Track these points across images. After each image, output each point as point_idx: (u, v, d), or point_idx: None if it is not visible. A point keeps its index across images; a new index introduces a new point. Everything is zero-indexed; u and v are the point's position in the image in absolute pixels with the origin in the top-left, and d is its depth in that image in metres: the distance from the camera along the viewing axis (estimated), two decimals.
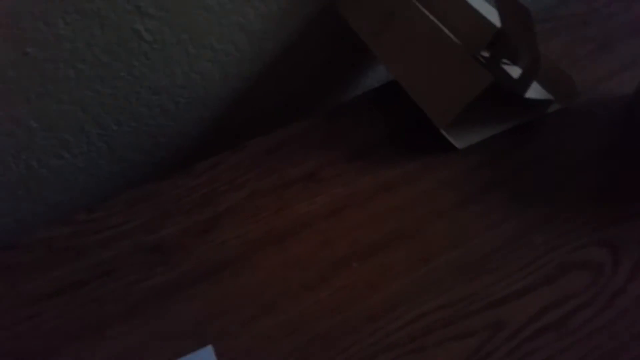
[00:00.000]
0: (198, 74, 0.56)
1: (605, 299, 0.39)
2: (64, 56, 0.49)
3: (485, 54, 0.48)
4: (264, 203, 0.46)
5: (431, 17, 0.49)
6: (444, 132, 0.47)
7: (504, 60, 0.48)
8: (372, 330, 0.38)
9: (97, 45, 0.50)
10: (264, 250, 0.43)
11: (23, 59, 0.47)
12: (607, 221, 0.43)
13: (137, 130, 0.58)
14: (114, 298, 0.41)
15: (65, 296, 0.42)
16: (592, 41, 0.58)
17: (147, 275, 0.42)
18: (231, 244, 0.43)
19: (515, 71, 0.47)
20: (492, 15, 0.48)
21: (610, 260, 0.41)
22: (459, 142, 0.49)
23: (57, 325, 0.40)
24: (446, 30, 0.48)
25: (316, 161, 0.49)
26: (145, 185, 0.48)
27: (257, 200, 0.46)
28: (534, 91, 0.47)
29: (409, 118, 0.51)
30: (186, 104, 0.58)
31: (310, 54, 0.60)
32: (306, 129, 0.51)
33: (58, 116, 0.52)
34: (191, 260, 0.42)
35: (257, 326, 0.39)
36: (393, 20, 0.51)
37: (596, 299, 0.39)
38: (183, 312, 0.40)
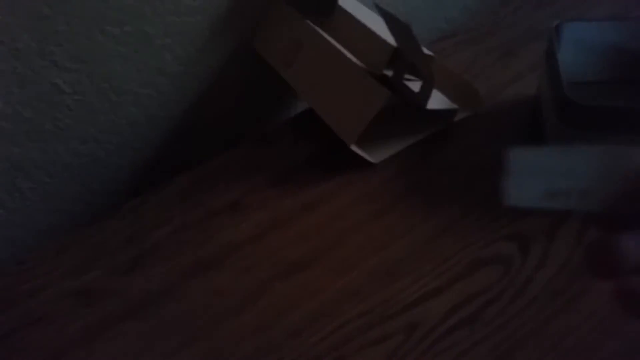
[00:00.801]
0: (123, 119, 0.58)
1: (515, 290, 0.40)
2: None
3: (389, 73, 0.50)
4: (188, 236, 0.47)
5: (335, 43, 0.52)
6: (354, 149, 0.49)
7: (407, 77, 0.51)
8: (294, 346, 0.39)
9: (18, 102, 0.51)
10: (189, 282, 0.43)
11: None
12: (514, 217, 0.45)
13: (70, 181, 0.58)
14: (42, 345, 0.41)
15: None
16: (496, 50, 0.61)
17: (73, 319, 0.42)
18: (155, 281, 0.44)
19: (417, 85, 0.50)
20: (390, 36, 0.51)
21: (519, 253, 0.42)
22: (374, 157, 0.51)
23: None
24: (348, 54, 0.50)
25: (239, 190, 0.50)
26: (71, 233, 0.49)
27: (182, 234, 0.47)
28: (437, 102, 0.50)
29: (327, 140, 0.53)
30: (115, 150, 0.59)
31: (232, 89, 0.63)
32: (229, 161, 0.53)
33: None
34: (117, 299, 0.43)
35: (182, 356, 0.39)
36: (301, 50, 0.53)
37: (507, 291, 0.40)
38: (110, 351, 0.40)
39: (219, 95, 0.62)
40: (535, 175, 0.18)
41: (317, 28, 0.53)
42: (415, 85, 0.50)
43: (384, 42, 0.50)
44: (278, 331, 0.40)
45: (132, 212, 0.49)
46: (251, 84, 0.63)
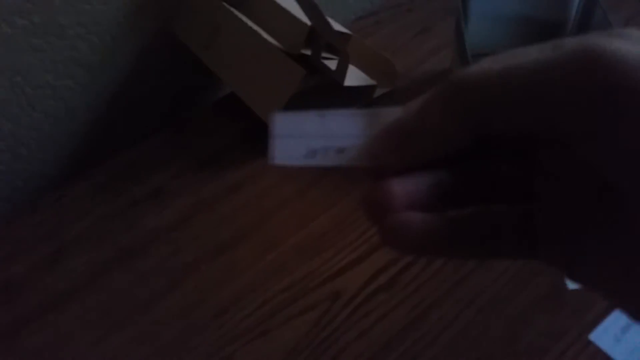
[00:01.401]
0: (41, 113, 0.56)
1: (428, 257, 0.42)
2: None
3: (307, 52, 0.51)
4: (110, 226, 0.46)
5: (252, 25, 0.52)
6: None
7: (326, 55, 0.51)
8: (219, 325, 0.39)
9: None
10: (111, 272, 0.43)
11: None
12: None
13: None
14: None
15: None
16: (414, 27, 0.63)
17: None
18: (78, 271, 0.43)
19: (334, 64, 0.50)
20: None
21: None
22: None
23: None
24: (266, 35, 0.51)
25: (162, 177, 0.50)
26: None
27: (103, 224, 0.46)
28: (355, 79, 0.51)
29: (251, 122, 0.54)
30: (38, 145, 0.58)
31: (153, 75, 0.62)
32: (151, 147, 0.53)
33: None
34: (39, 293, 0.42)
35: (106, 344, 0.39)
36: (219, 32, 0.53)
37: (420, 257, 0.42)
38: (35, 345, 0.40)
39: (139, 83, 0.61)
40: (296, 137, 0.19)
41: (234, 10, 0.53)
42: (332, 64, 0.51)
43: (299, 21, 0.50)
44: (203, 312, 0.40)
45: (52, 205, 0.48)
46: (172, 70, 0.63)
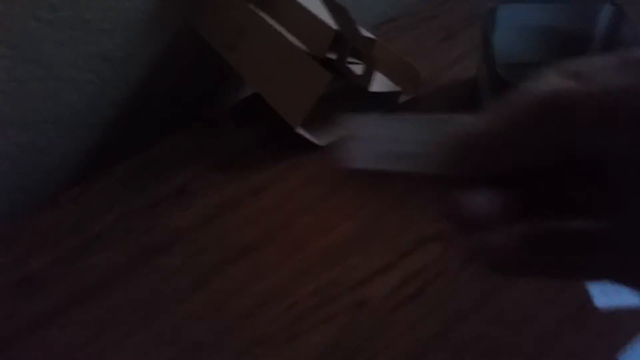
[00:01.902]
0: (63, 107, 0.56)
1: (458, 265, 0.42)
2: None
3: (332, 56, 0.51)
4: (134, 223, 0.46)
5: (278, 27, 0.52)
6: (300, 131, 0.50)
7: (351, 59, 0.51)
8: (244, 327, 0.39)
9: None
10: (135, 270, 0.43)
11: None
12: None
13: (10, 171, 0.56)
14: None
15: None
16: (438, 33, 0.63)
17: (17, 309, 0.41)
18: (101, 268, 0.43)
19: (360, 68, 0.50)
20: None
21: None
22: (320, 140, 0.51)
23: None
24: (292, 38, 0.51)
25: (186, 175, 0.50)
26: (13, 222, 0.48)
27: (127, 221, 0.46)
28: (380, 84, 0.51)
29: (275, 124, 0.54)
30: (57, 137, 0.58)
31: (175, 73, 0.62)
32: (174, 146, 0.53)
33: None
34: (62, 288, 0.42)
35: (131, 343, 0.39)
36: (244, 33, 0.53)
37: (450, 266, 0.42)
38: (57, 340, 0.39)
39: (161, 79, 0.61)
40: (369, 140, 0.20)
41: (259, 11, 0.53)
42: (358, 68, 0.51)
43: (325, 25, 0.50)
44: (228, 314, 0.40)
45: (75, 200, 0.48)
46: (194, 68, 0.63)
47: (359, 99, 0.54)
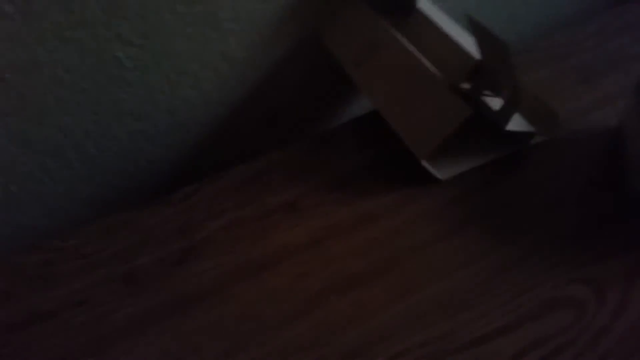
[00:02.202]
0: (180, 100, 0.56)
1: (589, 338, 0.38)
2: (44, 82, 0.48)
3: (466, 86, 0.48)
4: (241, 233, 0.45)
5: (412, 48, 0.49)
6: (424, 164, 0.47)
7: (485, 92, 0.48)
8: None
9: (77, 72, 0.49)
10: (240, 283, 0.41)
11: (1, 84, 0.46)
12: (590, 258, 0.42)
13: (119, 156, 0.57)
14: (84, 330, 0.40)
15: (34, 327, 0.40)
16: (574, 73, 0.58)
17: (118, 306, 0.41)
18: (206, 276, 0.42)
19: (496, 103, 0.47)
20: (473, 46, 0.49)
21: (594, 298, 0.40)
22: (441, 173, 0.48)
23: (25, 357, 0.38)
24: (427, 62, 0.48)
25: (296, 190, 0.48)
26: (122, 213, 0.47)
27: (235, 230, 0.45)
28: (516, 123, 0.47)
29: (390, 148, 0.51)
30: (168, 130, 0.57)
31: (293, 82, 0.60)
32: (287, 157, 0.51)
33: (38, 141, 0.52)
34: (164, 291, 0.41)
35: None
36: (375, 51, 0.51)
37: (579, 338, 0.38)
38: (153, 347, 0.38)
39: (279, 86, 0.60)
40: None
41: (393, 29, 0.51)
42: (494, 103, 0.47)
43: (466, 53, 0.47)
44: (332, 350, 0.38)
45: (186, 199, 0.48)
46: (314, 79, 0.61)
47: (487, 134, 0.51)
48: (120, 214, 0.47)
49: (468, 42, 0.49)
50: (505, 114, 0.45)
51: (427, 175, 0.48)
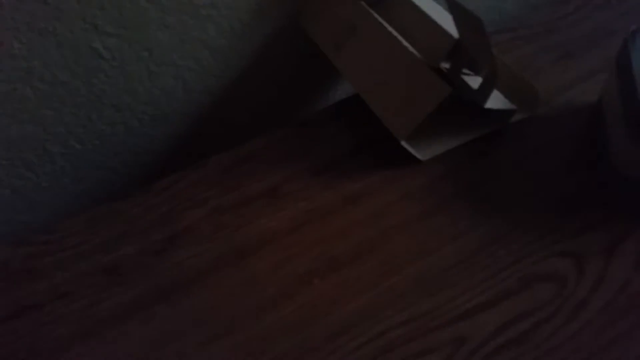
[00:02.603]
0: (161, 91, 0.56)
1: (568, 311, 0.38)
2: (20, 76, 0.48)
3: (446, 65, 0.48)
4: (224, 220, 0.45)
5: (391, 29, 0.49)
6: (404, 144, 0.47)
7: (465, 71, 0.48)
8: (332, 349, 0.37)
9: (55, 64, 0.49)
10: (223, 269, 0.42)
11: None
12: (571, 232, 0.42)
13: (101, 148, 0.57)
14: (69, 321, 0.40)
15: (19, 320, 0.40)
16: (555, 50, 0.58)
17: (102, 297, 0.41)
18: (189, 263, 0.42)
19: (476, 81, 0.47)
20: (452, 26, 0.48)
21: (574, 272, 0.40)
22: (422, 153, 0.48)
23: (11, 350, 0.39)
24: (406, 43, 0.48)
25: (279, 176, 0.48)
26: (104, 204, 0.47)
27: (218, 217, 0.45)
28: (495, 101, 0.47)
29: (372, 131, 0.51)
30: (150, 121, 0.57)
31: (276, 68, 0.60)
32: (269, 144, 0.51)
33: (19, 136, 0.51)
34: (148, 280, 0.41)
35: (214, 347, 0.38)
36: (354, 33, 0.51)
37: (559, 312, 0.38)
38: (139, 334, 0.39)
39: (260, 73, 0.59)
40: None
41: (371, 11, 0.50)
42: (473, 81, 0.47)
43: (445, 32, 0.47)
44: (316, 331, 0.38)
45: (168, 188, 0.47)
46: (295, 65, 0.61)
47: (466, 112, 0.51)
48: (103, 205, 0.47)
49: (447, 22, 0.49)
50: (484, 91, 0.45)
51: (409, 156, 0.48)
